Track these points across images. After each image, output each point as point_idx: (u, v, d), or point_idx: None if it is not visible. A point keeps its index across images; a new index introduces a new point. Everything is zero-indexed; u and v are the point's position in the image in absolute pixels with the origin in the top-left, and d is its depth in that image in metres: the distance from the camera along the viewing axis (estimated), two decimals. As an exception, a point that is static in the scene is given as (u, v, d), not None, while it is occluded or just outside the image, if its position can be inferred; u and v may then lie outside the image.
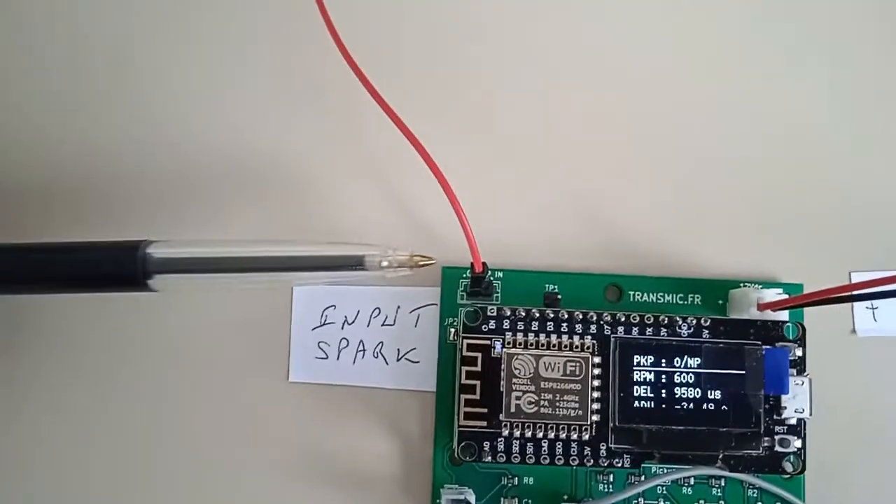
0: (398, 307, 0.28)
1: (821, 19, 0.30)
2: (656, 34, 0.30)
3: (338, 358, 0.28)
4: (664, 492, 0.27)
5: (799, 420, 0.26)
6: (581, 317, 0.26)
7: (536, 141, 0.29)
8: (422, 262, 0.24)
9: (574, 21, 0.30)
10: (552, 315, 0.26)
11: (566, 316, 0.26)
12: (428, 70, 0.29)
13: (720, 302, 0.28)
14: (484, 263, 0.26)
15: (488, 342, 0.26)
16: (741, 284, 0.28)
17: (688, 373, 0.25)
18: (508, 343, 0.25)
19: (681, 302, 0.28)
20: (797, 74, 0.30)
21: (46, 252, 0.24)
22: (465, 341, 0.26)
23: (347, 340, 0.28)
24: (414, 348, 0.28)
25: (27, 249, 0.24)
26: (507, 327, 0.26)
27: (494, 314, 0.26)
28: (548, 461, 0.25)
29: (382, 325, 0.28)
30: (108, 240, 0.24)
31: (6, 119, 0.29)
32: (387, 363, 0.28)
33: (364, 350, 0.28)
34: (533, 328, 0.26)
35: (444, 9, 0.30)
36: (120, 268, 0.24)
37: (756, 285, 0.28)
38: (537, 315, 0.26)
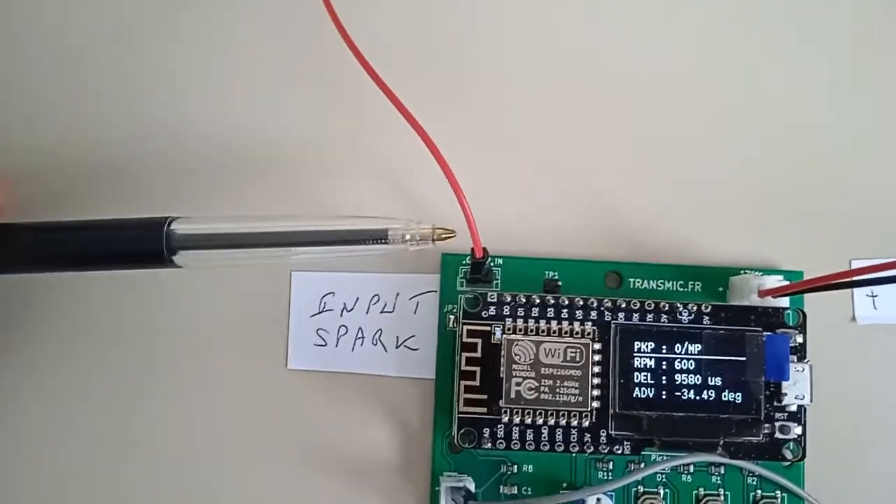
0: (397, 294, 0.28)
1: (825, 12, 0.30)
2: (657, 28, 0.29)
3: (336, 345, 0.28)
4: (664, 479, 0.27)
5: (799, 407, 0.26)
6: (581, 303, 0.26)
7: (538, 129, 0.29)
8: (444, 235, 0.24)
9: (577, 19, 0.30)
10: (552, 301, 0.26)
11: (566, 302, 0.26)
12: (434, 63, 0.29)
13: (720, 289, 0.28)
14: (484, 249, 0.26)
15: (488, 328, 0.25)
16: (742, 271, 0.28)
17: (688, 359, 0.25)
18: (508, 329, 0.25)
19: (681, 289, 0.28)
20: (798, 66, 0.29)
21: (72, 230, 0.24)
22: (465, 327, 0.26)
23: (346, 327, 0.28)
24: (413, 335, 0.28)
25: (53, 228, 0.24)
26: (508, 313, 0.26)
27: (494, 300, 0.26)
28: (548, 448, 0.25)
29: (381, 312, 0.28)
30: (125, 217, 0.24)
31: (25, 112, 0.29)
32: (386, 350, 0.28)
33: (363, 337, 0.28)
34: (533, 314, 0.26)
35: (453, 5, 0.29)
36: (145, 245, 0.24)
37: (756, 272, 0.28)
38: (537, 301, 0.26)
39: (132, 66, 0.29)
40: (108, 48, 0.29)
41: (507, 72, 0.29)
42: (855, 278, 0.24)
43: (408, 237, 0.24)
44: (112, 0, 0.29)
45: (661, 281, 0.28)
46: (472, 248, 0.26)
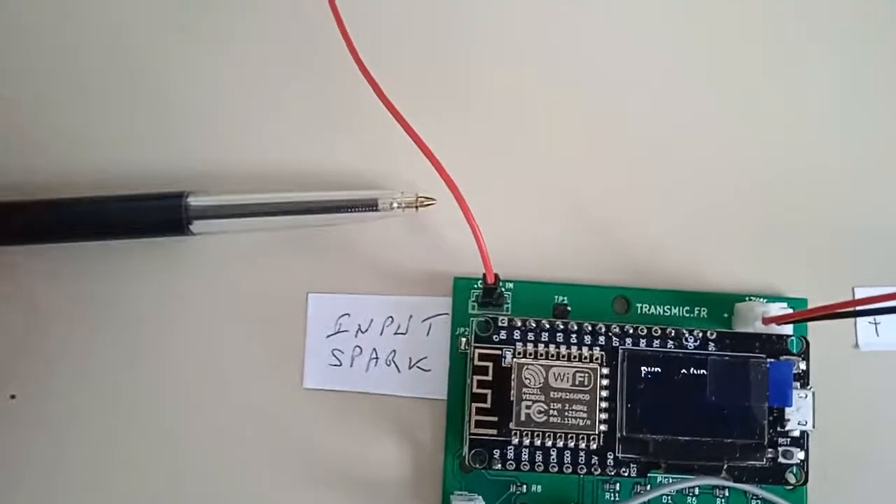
0: (410, 316, 0.29)
1: (830, 34, 0.30)
2: (671, 53, 0.30)
3: (351, 365, 0.29)
4: (669, 501, 0.27)
5: (802, 432, 0.26)
6: (590, 328, 0.27)
7: (547, 154, 0.30)
8: (426, 203, 0.28)
9: (588, 39, 0.30)
10: (562, 326, 0.26)
11: (575, 327, 0.27)
12: (444, 85, 0.30)
13: (725, 315, 0.28)
14: (496, 275, 0.27)
15: (499, 352, 0.26)
16: (746, 298, 0.28)
17: (694, 385, 0.26)
18: (519, 353, 0.26)
19: (687, 315, 0.28)
20: (802, 90, 0.30)
21: (101, 203, 0.28)
22: (477, 351, 0.26)
23: (361, 348, 0.29)
24: (425, 357, 0.29)
25: (84, 202, 0.28)
26: (518, 338, 0.26)
27: (505, 325, 0.27)
28: (556, 469, 0.26)
29: (395, 333, 0.29)
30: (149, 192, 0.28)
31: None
32: (399, 371, 0.29)
33: (377, 358, 0.29)
34: (543, 339, 0.26)
35: (461, 26, 0.30)
36: (166, 214, 0.28)
37: (761, 299, 0.28)
38: (547, 326, 0.26)
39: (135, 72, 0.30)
40: (118, 64, 0.30)
41: (518, 99, 0.30)
42: (858, 308, 0.25)
43: (395, 205, 0.27)
44: (122, 17, 0.30)
45: (668, 306, 0.28)
46: (484, 274, 0.27)
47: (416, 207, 0.28)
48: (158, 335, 0.29)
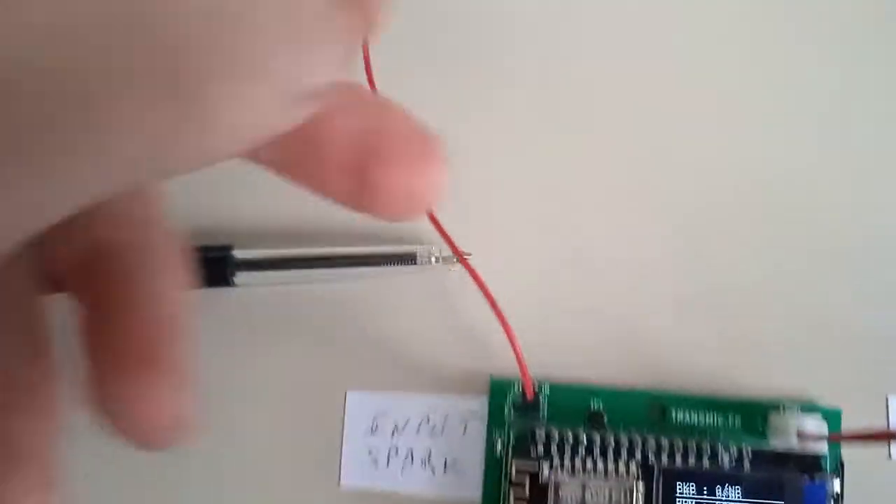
0: (447, 416, 0.29)
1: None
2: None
3: (388, 465, 0.29)
4: None
5: (835, 554, 0.27)
6: (626, 441, 0.27)
7: (579, 252, 0.30)
8: (465, 256, 0.28)
9: (622, 124, 0.30)
10: (598, 440, 0.27)
11: (612, 441, 0.27)
12: (472, 182, 0.30)
13: (760, 423, 0.29)
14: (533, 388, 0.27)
15: (535, 466, 0.27)
16: (781, 406, 0.28)
17: (729, 502, 0.26)
18: (556, 468, 0.26)
19: (722, 424, 0.29)
20: (829, 189, 0.30)
21: None
22: (514, 465, 0.27)
23: (397, 448, 0.29)
24: (461, 458, 0.29)
25: None
26: (555, 452, 0.27)
27: (542, 437, 0.27)
28: (592, 587, 0.26)
29: (431, 434, 0.29)
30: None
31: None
32: (434, 473, 0.29)
33: (413, 458, 0.29)
34: (579, 452, 0.27)
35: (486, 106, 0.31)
36: (211, 267, 0.29)
37: (796, 408, 0.28)
38: (584, 439, 0.27)
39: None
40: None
41: (546, 189, 0.30)
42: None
43: (433, 259, 0.28)
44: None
45: (703, 414, 0.29)
46: (523, 387, 0.27)
47: (455, 261, 0.28)
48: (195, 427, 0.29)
